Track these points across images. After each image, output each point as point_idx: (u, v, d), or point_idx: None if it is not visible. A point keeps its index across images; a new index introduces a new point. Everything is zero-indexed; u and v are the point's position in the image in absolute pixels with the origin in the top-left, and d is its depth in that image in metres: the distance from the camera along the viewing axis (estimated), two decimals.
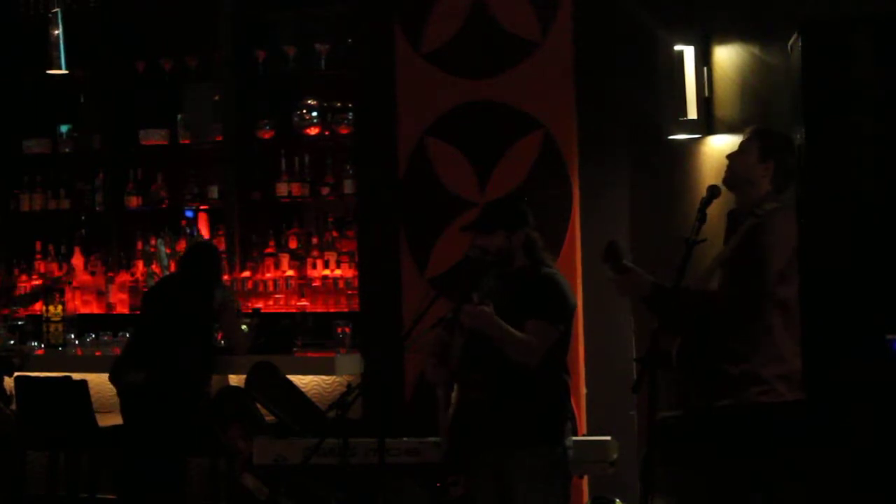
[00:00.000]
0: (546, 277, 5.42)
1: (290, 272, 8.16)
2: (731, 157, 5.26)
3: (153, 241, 8.52)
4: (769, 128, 5.40)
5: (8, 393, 7.54)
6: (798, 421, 4.81)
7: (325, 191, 8.17)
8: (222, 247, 8.15)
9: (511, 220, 5.45)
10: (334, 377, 7.53)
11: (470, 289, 5.28)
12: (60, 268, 8.80)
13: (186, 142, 8.58)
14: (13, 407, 7.47)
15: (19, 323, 8.45)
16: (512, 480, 5.34)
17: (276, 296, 8.15)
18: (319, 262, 8.13)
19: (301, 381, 7.27)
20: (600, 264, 5.22)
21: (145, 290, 8.18)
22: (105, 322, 8.43)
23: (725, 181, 5.23)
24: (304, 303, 8.09)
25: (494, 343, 5.23)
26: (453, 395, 5.52)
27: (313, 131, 8.21)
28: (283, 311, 8.09)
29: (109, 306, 8.62)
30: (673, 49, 6.62)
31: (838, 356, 4.42)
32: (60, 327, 8.25)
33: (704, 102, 6.63)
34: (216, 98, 8.48)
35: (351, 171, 8.01)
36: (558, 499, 5.42)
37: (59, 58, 8.18)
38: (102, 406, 7.53)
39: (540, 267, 5.44)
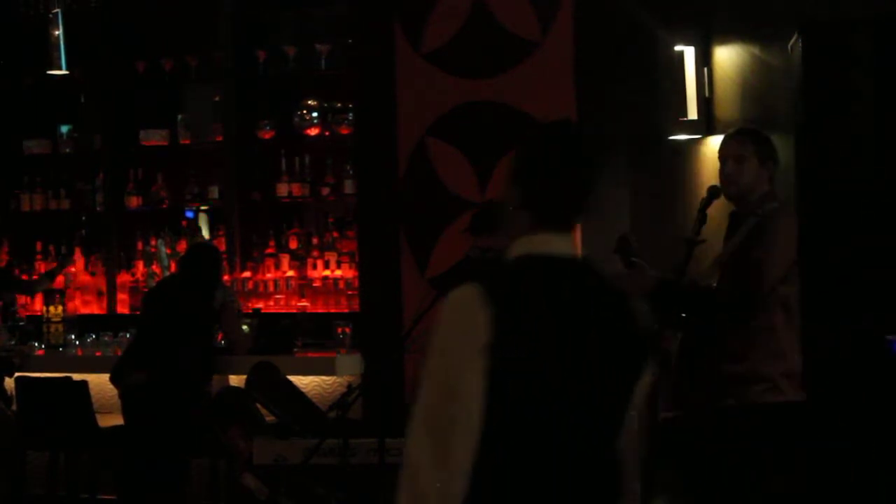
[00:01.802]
0: None
1: (291, 272, 8.16)
2: (732, 173, 5.16)
3: (153, 242, 8.52)
4: (753, 128, 5.39)
5: (8, 393, 7.55)
6: (797, 421, 4.82)
7: (325, 191, 8.17)
8: (222, 247, 8.15)
9: None
10: (334, 377, 7.52)
11: None
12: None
13: (186, 142, 8.58)
14: (13, 407, 7.47)
15: (20, 323, 8.45)
16: None
17: (277, 296, 8.15)
18: (320, 263, 8.12)
19: (301, 381, 7.27)
20: (611, 255, 5.21)
21: (146, 290, 8.18)
22: (105, 322, 8.42)
23: (731, 195, 5.18)
24: (304, 303, 8.09)
25: None
26: None
27: (313, 131, 8.20)
28: (284, 311, 8.09)
29: (110, 307, 8.62)
30: (673, 49, 6.62)
31: (838, 356, 4.42)
32: (61, 328, 8.25)
33: (704, 102, 6.63)
34: (216, 98, 8.48)
35: (351, 171, 8.01)
36: None
37: (59, 58, 8.18)
38: (102, 406, 7.54)
39: None
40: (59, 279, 8.67)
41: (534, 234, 2.85)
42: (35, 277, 8.66)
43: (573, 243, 2.88)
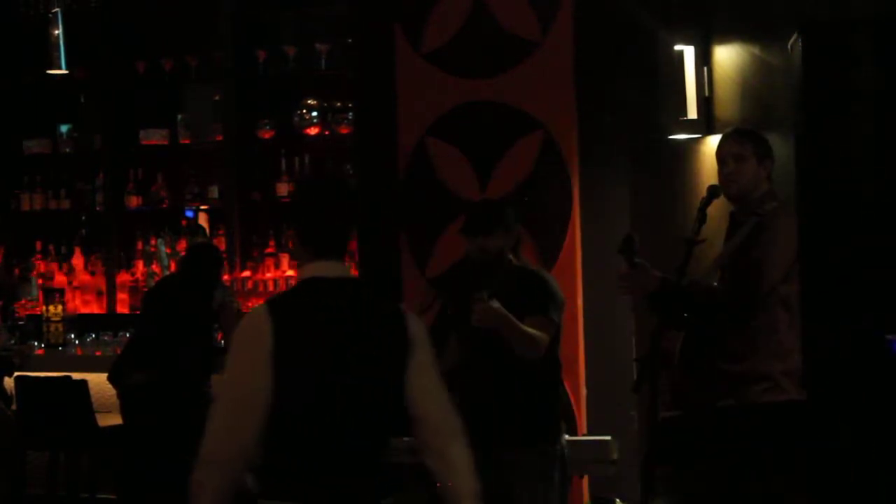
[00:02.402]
0: (537, 274, 5.48)
1: (291, 272, 8.16)
2: (732, 172, 5.17)
3: (153, 241, 8.52)
4: (749, 128, 5.40)
5: (8, 393, 7.55)
6: (798, 420, 4.81)
7: None
8: (222, 247, 8.16)
9: (509, 219, 5.48)
10: None
11: (476, 289, 5.27)
12: (60, 268, 8.81)
13: (186, 142, 8.58)
14: (13, 407, 7.47)
15: (19, 323, 8.45)
16: (512, 480, 5.34)
17: None
18: None
19: None
20: (615, 255, 5.21)
21: (145, 290, 8.18)
22: (105, 322, 8.43)
23: (732, 195, 5.18)
24: None
25: (509, 339, 5.23)
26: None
27: (313, 131, 8.21)
28: None
29: (110, 306, 8.62)
30: (673, 49, 6.62)
31: (838, 356, 4.42)
32: (61, 327, 8.25)
33: (704, 102, 6.63)
34: (216, 98, 8.49)
35: (351, 171, 8.01)
36: (558, 497, 5.42)
37: (59, 58, 8.18)
38: (102, 406, 7.53)
39: (526, 265, 5.50)
40: (61, 279, 8.69)
41: (312, 262, 3.72)
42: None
43: (343, 267, 3.78)
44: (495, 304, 5.18)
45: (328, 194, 3.82)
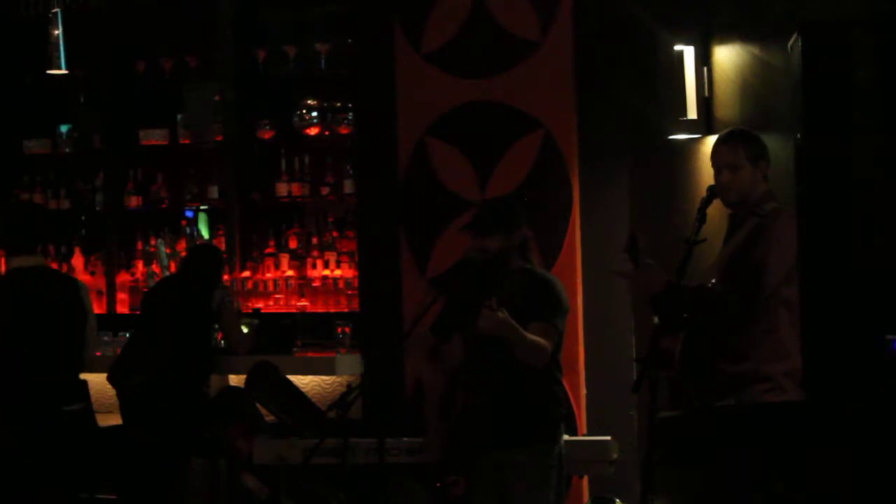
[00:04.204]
0: (543, 278, 5.45)
1: (290, 272, 8.16)
2: (728, 181, 5.16)
3: (153, 241, 8.52)
4: (741, 129, 5.40)
5: None
6: (798, 421, 4.82)
7: (325, 191, 8.17)
8: (222, 247, 8.16)
9: (511, 220, 5.46)
10: (334, 377, 7.53)
11: (484, 293, 5.26)
12: (60, 268, 8.79)
13: (186, 142, 8.58)
14: None
15: None
16: (511, 480, 5.34)
17: (276, 296, 8.15)
18: (319, 262, 8.13)
19: (301, 381, 7.27)
20: (615, 255, 5.20)
21: (145, 290, 8.18)
22: (105, 322, 8.42)
23: (731, 202, 5.17)
24: (304, 303, 8.09)
25: (513, 347, 5.21)
26: (458, 398, 5.54)
27: (313, 131, 8.21)
28: (283, 311, 8.09)
29: (110, 306, 8.62)
30: (673, 49, 6.62)
31: (838, 356, 4.42)
32: None
33: (704, 102, 6.63)
34: (216, 98, 8.48)
35: (351, 171, 8.01)
36: (557, 497, 5.42)
37: (59, 58, 8.16)
38: (102, 406, 7.53)
39: (534, 268, 5.47)
40: None
41: (12, 257, 6.31)
42: None
43: (35, 259, 6.31)
44: (503, 313, 5.16)
45: (17, 213, 6.65)
